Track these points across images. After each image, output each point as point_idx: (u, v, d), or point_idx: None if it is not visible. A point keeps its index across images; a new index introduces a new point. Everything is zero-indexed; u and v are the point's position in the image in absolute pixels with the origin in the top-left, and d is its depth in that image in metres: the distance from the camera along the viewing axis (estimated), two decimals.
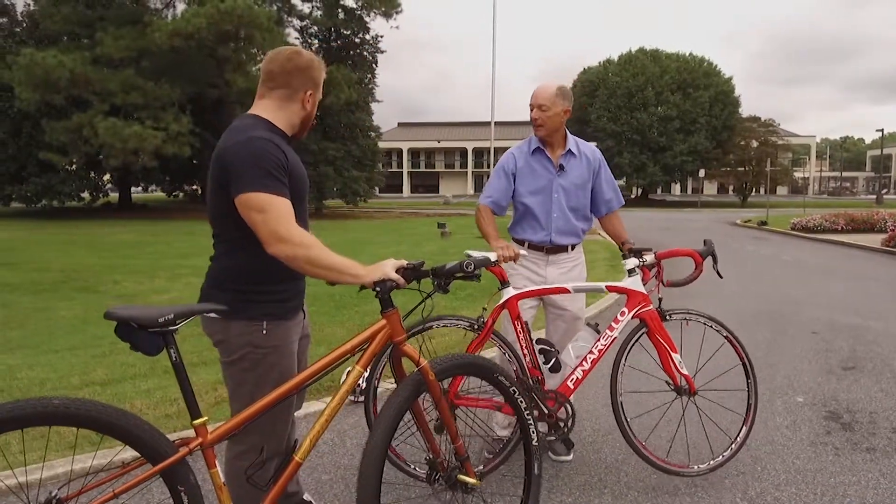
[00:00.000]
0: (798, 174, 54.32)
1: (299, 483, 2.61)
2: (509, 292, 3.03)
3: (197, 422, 1.82)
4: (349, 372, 2.08)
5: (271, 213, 1.90)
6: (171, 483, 1.78)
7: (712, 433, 3.45)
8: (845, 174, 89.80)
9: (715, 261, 3.18)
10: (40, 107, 25.70)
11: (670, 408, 3.43)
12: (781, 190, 60.65)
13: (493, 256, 2.69)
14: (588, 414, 3.97)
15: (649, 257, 3.09)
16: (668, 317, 3.09)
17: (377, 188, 38.74)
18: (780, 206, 36.89)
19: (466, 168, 73.16)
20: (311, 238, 1.94)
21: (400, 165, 72.84)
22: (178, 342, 1.84)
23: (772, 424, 3.84)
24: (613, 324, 3.04)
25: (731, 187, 58.11)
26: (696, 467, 3.07)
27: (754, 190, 48.88)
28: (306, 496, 2.63)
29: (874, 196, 54.50)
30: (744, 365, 3.23)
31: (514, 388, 2.38)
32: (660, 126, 45.90)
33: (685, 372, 3.06)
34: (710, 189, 65.96)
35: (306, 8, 33.90)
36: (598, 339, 3.03)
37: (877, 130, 57.56)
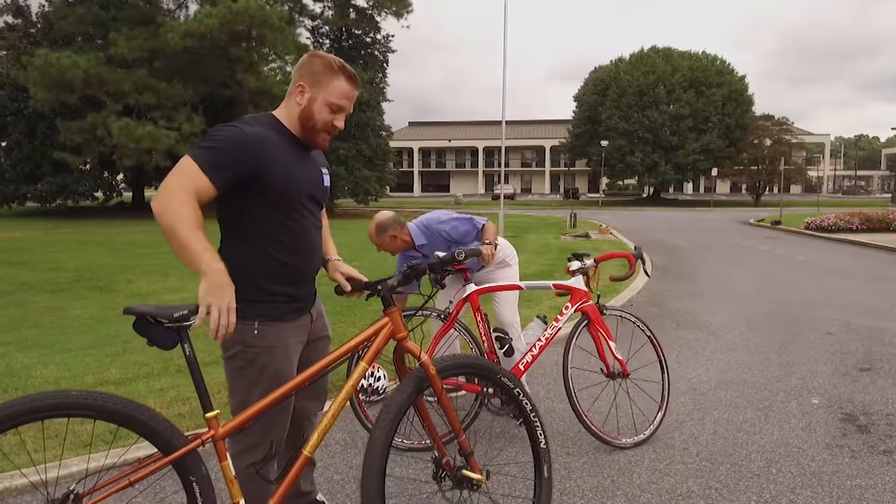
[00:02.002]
0: (812, 173, 53.90)
1: (313, 483, 2.62)
2: (471, 288, 3.54)
3: (209, 415, 1.85)
4: (355, 368, 2.12)
5: (177, 169, 1.88)
6: (184, 474, 1.82)
7: (637, 414, 3.81)
8: (860, 173, 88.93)
9: (643, 263, 3.72)
10: (55, 107, 25.96)
11: (605, 390, 3.84)
12: (795, 189, 60.14)
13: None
14: (601, 416, 3.94)
15: (589, 261, 3.60)
16: (604, 312, 3.57)
17: (388, 187, 38.74)
18: (793, 206, 36.58)
19: (477, 167, 73.14)
20: (192, 212, 1.83)
21: (411, 165, 72.93)
22: (192, 339, 1.85)
23: (787, 427, 3.80)
24: (559, 316, 3.55)
25: (744, 186, 57.69)
26: (623, 440, 3.48)
27: (768, 189, 48.51)
28: (319, 496, 2.64)
29: (889, 195, 53.90)
30: (660, 362, 3.74)
31: (517, 389, 2.37)
32: (672, 125, 45.65)
33: (620, 357, 3.51)
34: (723, 188, 65.56)
35: (318, 8, 34.01)
36: (546, 330, 3.54)
37: (892, 129, 56.90)
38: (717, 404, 4.19)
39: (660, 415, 3.68)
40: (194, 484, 1.82)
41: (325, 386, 2.47)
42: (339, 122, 2.14)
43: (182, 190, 1.84)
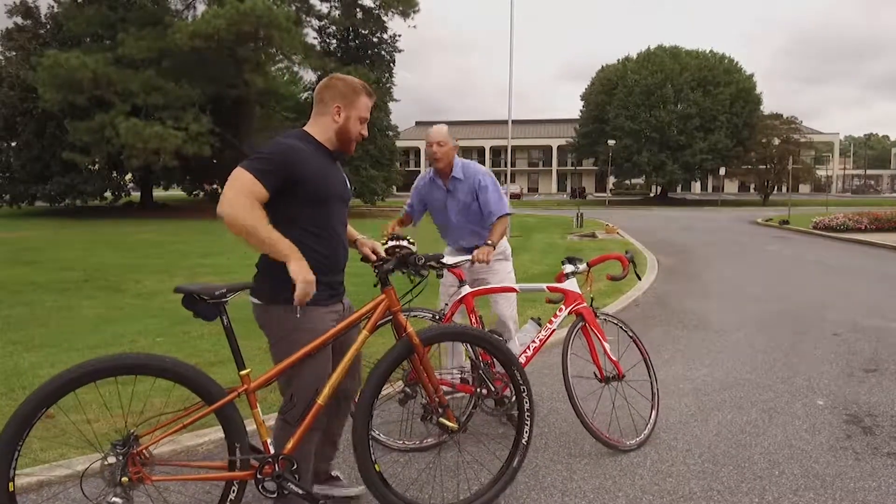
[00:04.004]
0: (821, 172, 53.45)
1: (330, 465, 2.88)
2: (466, 290, 3.60)
3: (242, 372, 2.33)
4: (357, 336, 2.53)
5: (237, 182, 2.25)
6: (224, 420, 2.30)
7: (635, 415, 3.76)
8: (869, 172, 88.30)
9: (635, 266, 3.76)
10: (63, 107, 26.07)
11: (602, 393, 3.77)
12: (804, 188, 59.72)
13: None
14: (603, 417, 3.94)
15: (582, 265, 3.66)
16: (597, 315, 3.64)
17: (394, 187, 38.76)
18: (802, 205, 36.40)
19: (484, 167, 72.96)
20: (260, 212, 2.25)
21: (417, 164, 72.87)
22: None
23: (790, 428, 3.79)
24: (553, 318, 3.59)
25: (752, 186, 57.38)
26: (627, 442, 3.50)
27: (776, 188, 48.24)
28: (335, 472, 2.91)
29: None
30: (645, 361, 3.81)
31: (524, 387, 2.77)
32: (679, 124, 45.44)
33: (615, 358, 3.59)
34: (731, 187, 65.18)
35: (325, 8, 34.04)
36: (540, 332, 3.60)
37: None
38: (721, 405, 4.19)
39: (654, 413, 3.70)
40: (234, 428, 2.29)
41: (359, 369, 2.82)
42: (365, 131, 2.58)
43: (244, 195, 2.23)
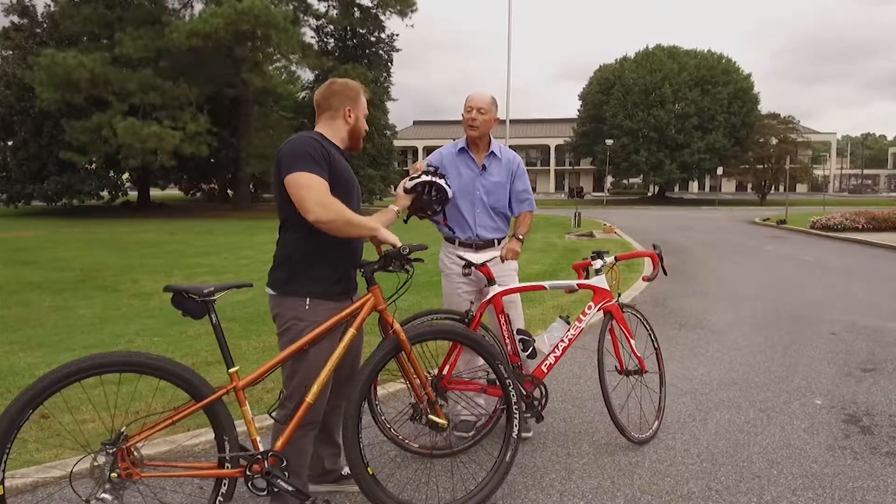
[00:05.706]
0: (818, 172, 53.43)
1: (338, 462, 2.93)
2: (495, 289, 3.39)
3: (231, 370, 2.34)
4: (344, 334, 2.51)
5: (314, 187, 2.36)
6: (211, 416, 2.30)
7: (646, 411, 3.81)
8: (866, 172, 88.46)
9: (662, 261, 3.69)
10: (60, 107, 25.99)
11: (623, 386, 3.75)
12: (801, 188, 59.77)
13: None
14: (602, 416, 3.94)
15: (610, 259, 3.57)
16: (624, 310, 3.60)
17: (392, 186, 38.72)
18: (799, 205, 36.43)
19: None
20: (342, 205, 2.39)
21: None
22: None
23: (789, 428, 3.79)
24: (582, 316, 3.50)
25: (749, 185, 57.44)
26: (635, 435, 3.53)
27: (773, 188, 48.28)
28: (346, 471, 2.92)
29: None
30: (660, 374, 3.83)
31: (510, 380, 2.83)
32: (677, 123, 45.42)
33: (640, 354, 3.57)
34: (729, 187, 65.28)
35: (322, 7, 33.99)
36: (569, 330, 3.45)
37: None
38: (719, 405, 4.18)
39: (657, 423, 3.69)
40: (222, 426, 2.29)
41: (357, 367, 2.79)
42: (366, 126, 2.74)
43: (327, 196, 2.37)
